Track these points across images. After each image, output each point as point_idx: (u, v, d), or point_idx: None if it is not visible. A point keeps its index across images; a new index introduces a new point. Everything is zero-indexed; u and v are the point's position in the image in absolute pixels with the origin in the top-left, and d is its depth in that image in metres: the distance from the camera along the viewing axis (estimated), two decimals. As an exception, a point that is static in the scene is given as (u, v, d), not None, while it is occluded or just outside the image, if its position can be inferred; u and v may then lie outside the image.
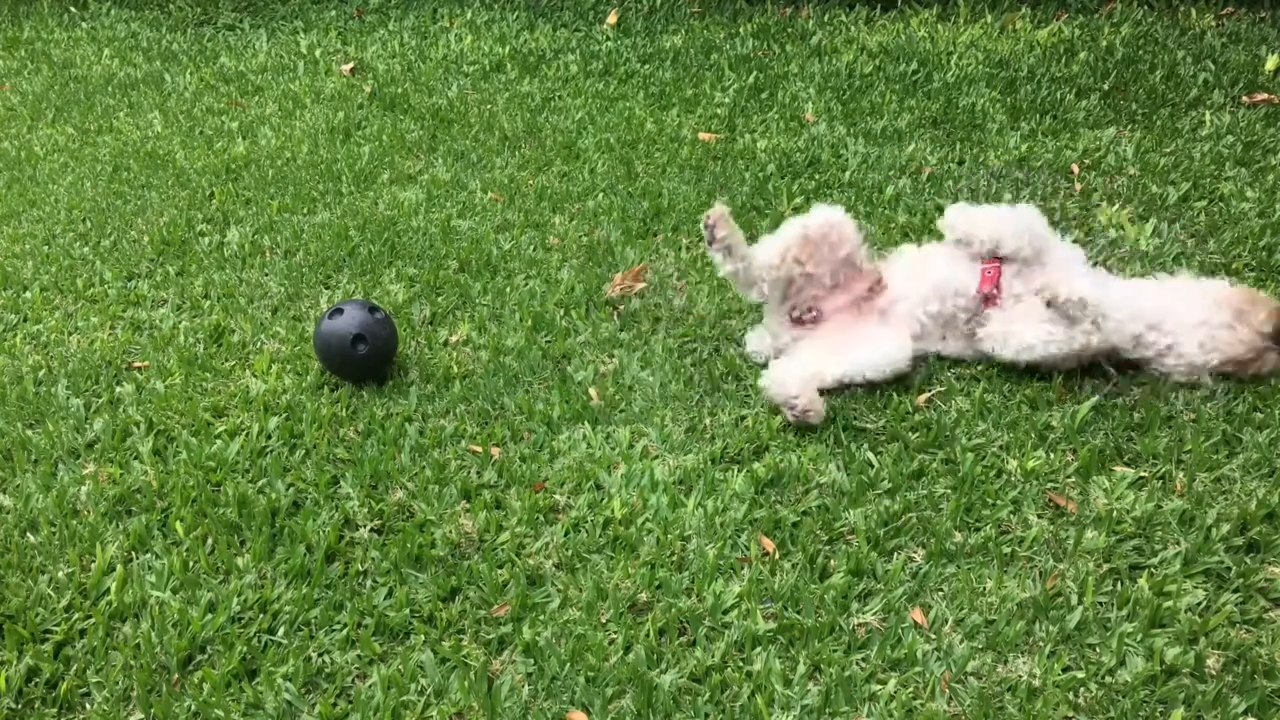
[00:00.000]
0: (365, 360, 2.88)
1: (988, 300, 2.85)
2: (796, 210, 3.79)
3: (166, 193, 4.35)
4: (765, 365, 2.85)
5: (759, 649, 2.06)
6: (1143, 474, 2.43)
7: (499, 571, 2.28)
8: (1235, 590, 2.12)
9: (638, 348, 3.05)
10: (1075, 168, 3.96)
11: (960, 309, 2.86)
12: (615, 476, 2.53)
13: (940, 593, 2.17)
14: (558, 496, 2.49)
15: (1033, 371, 2.80)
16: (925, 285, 2.88)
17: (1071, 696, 1.93)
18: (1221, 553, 2.19)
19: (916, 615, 2.11)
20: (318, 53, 6.14)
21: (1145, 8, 5.58)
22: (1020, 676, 1.97)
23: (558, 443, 2.67)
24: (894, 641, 2.05)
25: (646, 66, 5.48)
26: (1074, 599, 2.12)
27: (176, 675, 2.08)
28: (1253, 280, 3.13)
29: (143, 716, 2.01)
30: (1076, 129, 4.30)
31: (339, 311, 2.90)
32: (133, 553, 2.40)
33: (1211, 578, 2.16)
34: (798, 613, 2.13)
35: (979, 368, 2.82)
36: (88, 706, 2.04)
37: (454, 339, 3.16)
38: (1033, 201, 3.72)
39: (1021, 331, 2.74)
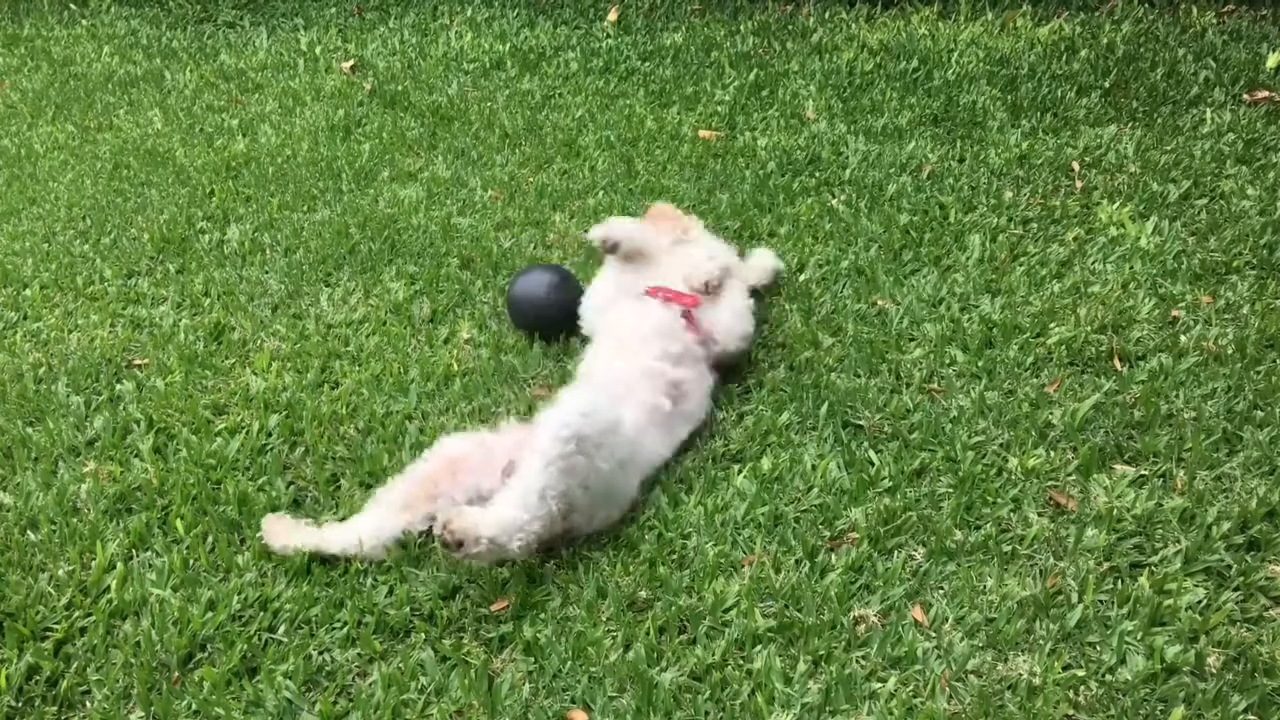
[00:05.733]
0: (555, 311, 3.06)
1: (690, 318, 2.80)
2: (794, 209, 3.79)
3: (166, 190, 4.35)
4: None
5: (759, 647, 2.05)
6: (1143, 472, 2.43)
7: (499, 569, 2.28)
8: (1236, 588, 2.11)
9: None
10: (1076, 165, 3.96)
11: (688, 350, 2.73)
12: (615, 474, 2.53)
13: (940, 591, 2.17)
14: (558, 494, 2.49)
15: (1034, 371, 2.80)
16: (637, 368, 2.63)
17: (1072, 695, 1.93)
18: (1222, 551, 2.19)
19: (917, 613, 2.11)
20: (318, 50, 6.13)
21: (1146, 5, 5.58)
22: (1020, 675, 1.97)
23: (558, 441, 2.67)
24: (894, 639, 2.05)
25: (647, 64, 5.48)
26: (1074, 597, 2.12)
27: (177, 673, 2.08)
28: (1253, 279, 3.13)
29: (143, 714, 2.01)
30: (1077, 126, 4.29)
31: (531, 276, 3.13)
32: (133, 550, 2.40)
33: (1212, 576, 2.15)
34: (798, 610, 2.13)
35: (980, 364, 2.82)
36: (88, 704, 2.04)
37: (463, 338, 3.16)
38: (1033, 199, 3.73)
39: (732, 324, 2.84)
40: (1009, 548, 2.25)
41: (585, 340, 3.08)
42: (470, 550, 2.15)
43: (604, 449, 2.26)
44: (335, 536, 2.33)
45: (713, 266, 2.90)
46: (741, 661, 2.04)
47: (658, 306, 2.81)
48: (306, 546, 2.31)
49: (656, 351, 2.65)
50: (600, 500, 2.31)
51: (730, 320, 2.85)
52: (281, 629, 2.17)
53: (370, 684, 2.05)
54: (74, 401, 2.94)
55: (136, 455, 2.71)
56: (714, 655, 2.04)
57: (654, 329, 2.71)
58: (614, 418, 2.35)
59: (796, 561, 2.25)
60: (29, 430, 2.84)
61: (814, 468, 2.51)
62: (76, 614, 2.23)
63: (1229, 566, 2.16)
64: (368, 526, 2.34)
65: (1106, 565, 2.19)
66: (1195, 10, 5.43)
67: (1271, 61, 4.67)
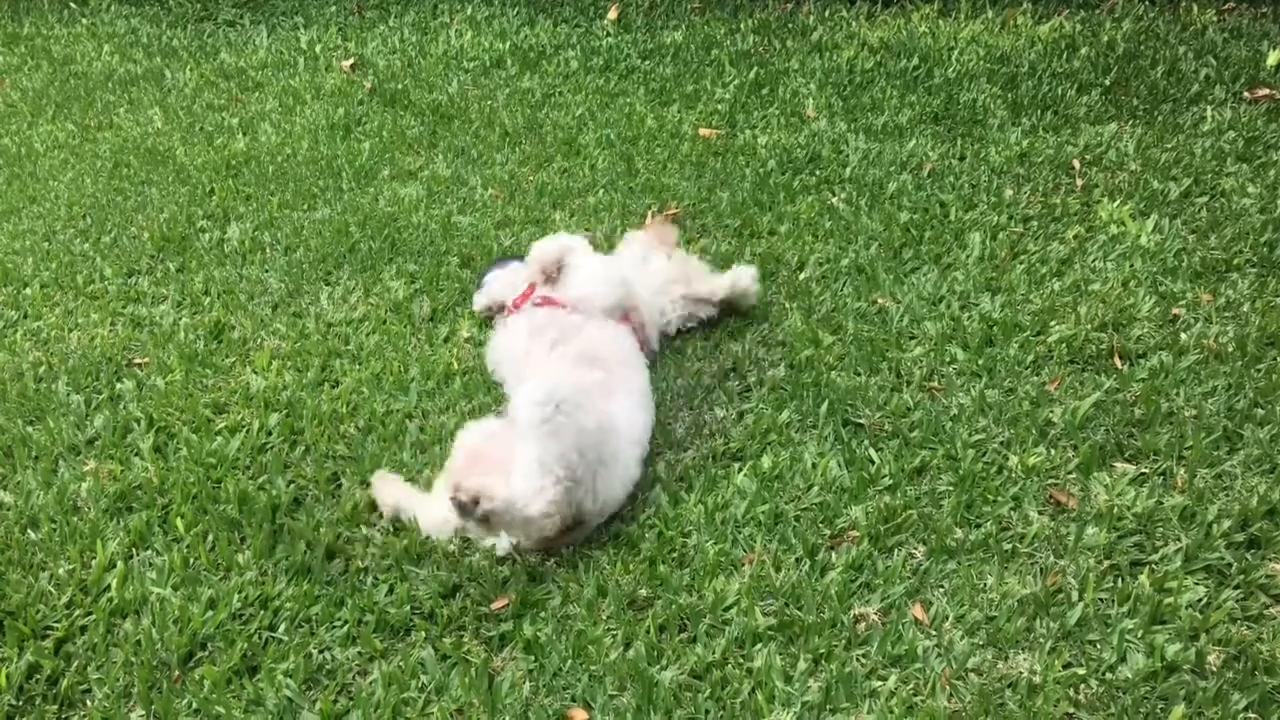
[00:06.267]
0: None
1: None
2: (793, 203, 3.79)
3: (167, 189, 4.35)
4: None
5: (759, 645, 2.06)
6: (1144, 470, 2.43)
7: (500, 568, 2.28)
8: (1236, 586, 2.11)
9: (638, 344, 3.05)
10: (1076, 163, 3.96)
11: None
12: (616, 473, 2.53)
13: (941, 589, 2.17)
14: (558, 493, 2.49)
15: (1034, 369, 2.80)
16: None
17: (1072, 693, 1.93)
18: (1222, 549, 2.19)
19: (917, 611, 2.11)
20: (318, 48, 6.13)
21: (1146, 3, 5.57)
22: (1021, 673, 1.97)
23: (558, 439, 2.67)
24: (895, 638, 2.05)
25: (647, 62, 5.47)
26: (1075, 595, 2.12)
27: (177, 672, 2.08)
28: (1254, 276, 3.13)
29: (143, 713, 2.01)
30: (1078, 125, 4.29)
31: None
32: (133, 549, 2.40)
33: (1212, 574, 2.15)
34: (798, 609, 2.13)
35: (980, 362, 2.82)
36: (88, 703, 2.04)
37: (463, 336, 3.16)
38: (1033, 197, 3.72)
39: (585, 288, 2.88)
40: (1009, 546, 2.25)
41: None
42: (485, 507, 2.16)
43: (583, 408, 2.26)
44: (423, 517, 2.39)
45: (549, 246, 2.97)
46: (742, 660, 2.04)
47: (514, 318, 2.90)
48: (403, 512, 2.40)
49: (544, 347, 2.70)
50: (601, 470, 2.31)
51: (582, 286, 2.87)
52: (282, 627, 2.17)
53: (371, 682, 2.05)
54: (74, 400, 2.94)
55: (137, 454, 2.71)
56: (714, 653, 2.04)
57: (527, 334, 2.78)
58: (582, 382, 2.41)
59: (797, 560, 2.25)
60: (29, 429, 2.84)
61: (814, 466, 2.51)
62: (77, 612, 2.23)
63: (1229, 564, 2.16)
64: (431, 522, 2.38)
65: (1107, 563, 2.19)
66: (1195, 8, 5.42)
67: (1272, 59, 4.67)
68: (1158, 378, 2.71)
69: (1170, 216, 3.50)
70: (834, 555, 2.26)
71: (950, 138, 4.28)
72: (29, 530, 2.47)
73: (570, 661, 2.05)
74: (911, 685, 1.96)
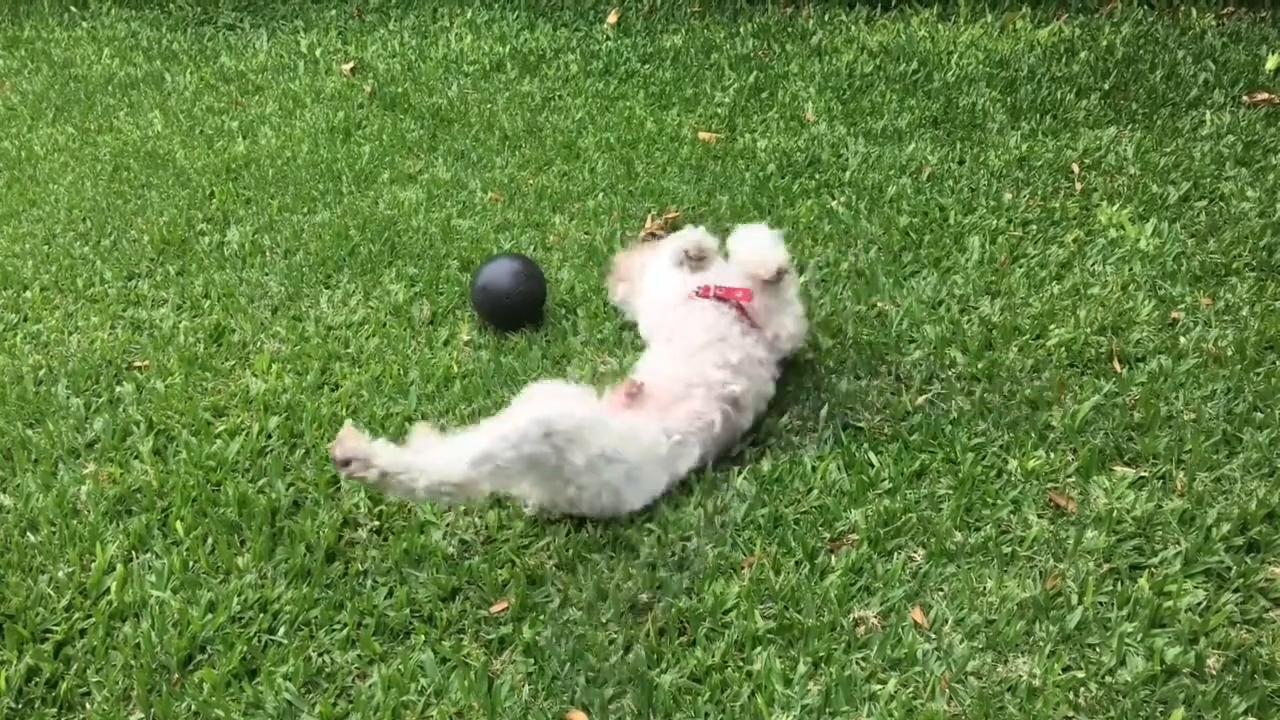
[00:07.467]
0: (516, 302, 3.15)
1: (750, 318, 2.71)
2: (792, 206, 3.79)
3: (167, 192, 4.35)
4: None
5: (759, 648, 2.05)
6: (1143, 474, 2.43)
7: (499, 571, 2.28)
8: (1235, 590, 2.11)
9: (638, 348, 3.05)
10: (1075, 167, 3.96)
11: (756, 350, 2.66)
12: (615, 476, 2.52)
13: (940, 592, 2.17)
14: (558, 496, 2.49)
15: (1034, 371, 2.80)
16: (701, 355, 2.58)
17: (1072, 696, 1.93)
18: (1222, 552, 2.19)
19: (917, 615, 2.11)
20: (318, 52, 6.14)
21: (1145, 7, 5.58)
22: (1020, 676, 1.97)
23: (558, 442, 2.67)
24: (894, 641, 2.05)
25: (647, 66, 5.48)
26: (1074, 599, 2.12)
27: (176, 675, 2.08)
28: (1253, 280, 3.13)
29: (143, 716, 2.01)
30: (1077, 128, 4.29)
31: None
32: (133, 552, 2.40)
33: (1212, 577, 2.15)
34: (798, 612, 2.13)
35: (980, 365, 2.82)
36: (88, 706, 2.04)
37: (463, 340, 3.16)
38: (1032, 201, 3.73)
39: (786, 325, 2.71)
40: (1009, 549, 2.25)
41: (548, 335, 3.08)
42: (355, 471, 2.12)
43: (576, 444, 2.24)
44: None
45: (782, 254, 2.69)
46: (741, 663, 2.04)
47: (710, 308, 2.69)
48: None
49: (716, 359, 2.56)
50: (591, 482, 2.30)
51: (794, 325, 2.73)
52: (281, 630, 2.17)
53: (370, 685, 2.05)
54: (74, 403, 2.94)
55: (136, 457, 2.71)
56: (714, 657, 2.04)
57: (707, 334, 2.61)
58: (591, 418, 2.31)
59: (796, 563, 2.25)
60: (29, 432, 2.84)
61: (814, 469, 2.51)
62: (76, 616, 2.23)
63: (1229, 568, 2.16)
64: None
65: (1106, 567, 2.19)
66: (1195, 12, 5.43)
67: (1271, 63, 4.68)
68: (1157, 381, 2.71)
69: (1169, 220, 3.51)
70: (833, 558, 2.26)
71: (949, 141, 4.29)
72: (28, 533, 2.47)
73: (570, 665, 2.05)
74: (911, 688, 1.96)
